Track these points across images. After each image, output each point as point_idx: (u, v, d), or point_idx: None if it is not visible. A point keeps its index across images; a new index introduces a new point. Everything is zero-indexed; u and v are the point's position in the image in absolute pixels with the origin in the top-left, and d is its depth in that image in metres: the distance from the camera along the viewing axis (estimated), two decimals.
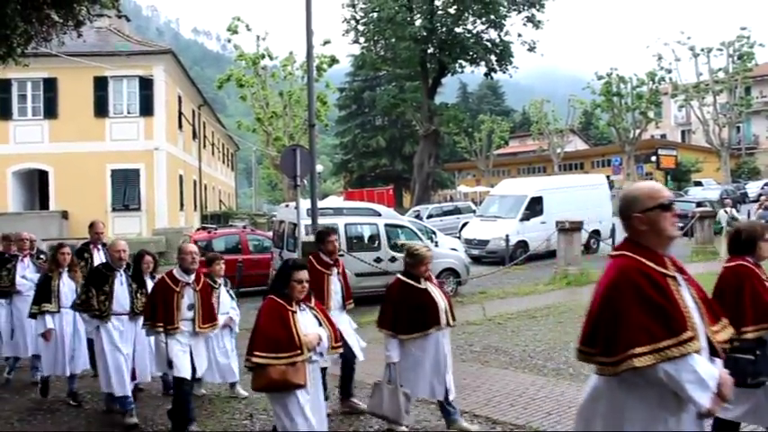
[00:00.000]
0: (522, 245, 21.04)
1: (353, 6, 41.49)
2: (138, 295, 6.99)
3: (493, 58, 40.13)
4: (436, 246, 17.14)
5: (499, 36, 40.16)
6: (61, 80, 26.99)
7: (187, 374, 6.30)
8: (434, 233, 19.87)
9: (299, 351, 4.55)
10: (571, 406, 6.22)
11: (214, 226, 23.47)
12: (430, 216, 30.54)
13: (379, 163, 63.04)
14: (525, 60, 43.50)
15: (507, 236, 20.45)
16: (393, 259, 14.37)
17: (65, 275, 7.78)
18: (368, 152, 64.02)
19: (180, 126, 31.44)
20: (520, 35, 41.34)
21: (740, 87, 42.75)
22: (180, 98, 31.61)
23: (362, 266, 13.72)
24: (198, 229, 24.31)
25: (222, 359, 7.63)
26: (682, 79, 45.08)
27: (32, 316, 7.68)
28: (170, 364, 6.26)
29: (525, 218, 21.98)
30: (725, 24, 69.12)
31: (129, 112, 27.73)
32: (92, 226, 9.12)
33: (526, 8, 39.20)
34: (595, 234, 22.31)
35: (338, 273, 7.01)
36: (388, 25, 39.28)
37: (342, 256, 13.72)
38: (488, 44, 40.27)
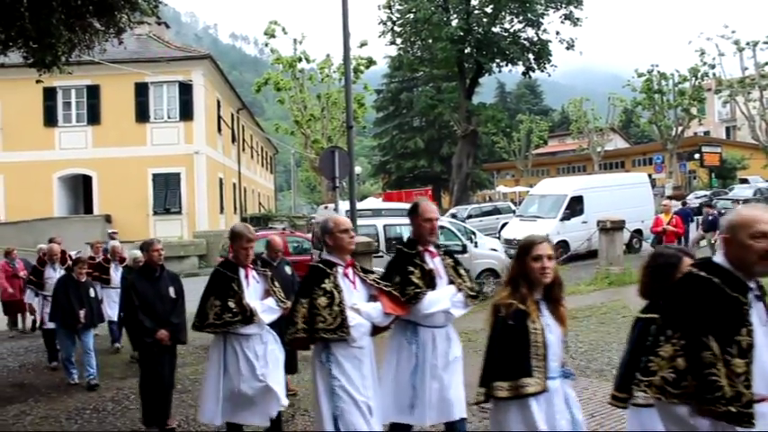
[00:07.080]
0: (563, 245, 20.75)
1: (390, 8, 41.53)
2: None
3: (530, 57, 39.78)
4: (476, 246, 17.05)
5: (537, 35, 39.81)
6: (103, 87, 27.57)
7: None
8: (474, 234, 19.73)
9: None
10: (615, 408, 6.09)
11: (254, 228, 23.64)
12: (469, 216, 30.36)
13: (418, 164, 62.97)
14: (564, 59, 43.18)
15: (547, 236, 19.99)
16: None
17: None
18: (406, 153, 64.00)
19: (219, 130, 31.83)
20: (558, 33, 40.93)
21: None
22: (219, 102, 32.00)
23: None
24: None
25: None
26: (726, 74, 44.10)
27: None
28: None
29: (565, 217, 21.69)
30: None
31: (169, 117, 28.18)
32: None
33: (564, 6, 38.72)
34: (637, 233, 21.89)
35: None
36: (424, 26, 39.23)
37: (381, 256, 13.73)
38: (526, 43, 39.93)
